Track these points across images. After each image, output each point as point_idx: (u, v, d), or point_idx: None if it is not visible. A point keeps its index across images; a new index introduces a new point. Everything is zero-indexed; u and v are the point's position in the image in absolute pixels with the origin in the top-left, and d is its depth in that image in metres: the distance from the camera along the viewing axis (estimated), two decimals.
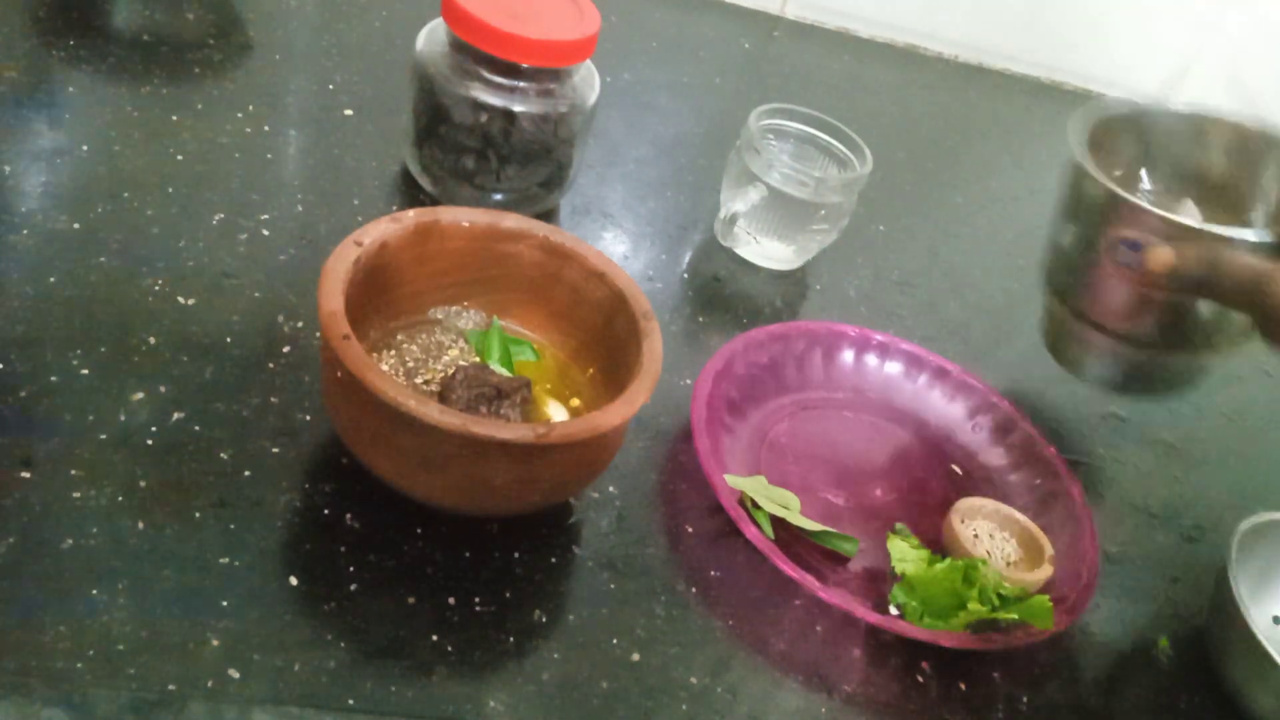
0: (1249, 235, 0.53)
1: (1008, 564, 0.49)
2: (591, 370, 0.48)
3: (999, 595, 0.46)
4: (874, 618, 0.44)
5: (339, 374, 0.37)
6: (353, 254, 0.42)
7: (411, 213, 0.45)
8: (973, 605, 0.45)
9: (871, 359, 0.59)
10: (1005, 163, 0.90)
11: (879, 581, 0.48)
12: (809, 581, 0.44)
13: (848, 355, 0.59)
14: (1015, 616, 0.45)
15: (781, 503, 0.48)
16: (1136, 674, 0.48)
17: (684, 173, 0.71)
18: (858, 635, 0.45)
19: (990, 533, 0.50)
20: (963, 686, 0.44)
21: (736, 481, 0.48)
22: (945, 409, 0.58)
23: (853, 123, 0.66)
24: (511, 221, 0.47)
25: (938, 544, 0.50)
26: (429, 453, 0.38)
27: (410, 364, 0.45)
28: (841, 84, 0.92)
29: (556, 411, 0.46)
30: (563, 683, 0.39)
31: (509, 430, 0.36)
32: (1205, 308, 0.56)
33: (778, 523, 0.47)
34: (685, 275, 0.62)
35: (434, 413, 0.36)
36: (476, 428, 0.36)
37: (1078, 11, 1.02)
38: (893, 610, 0.46)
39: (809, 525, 0.48)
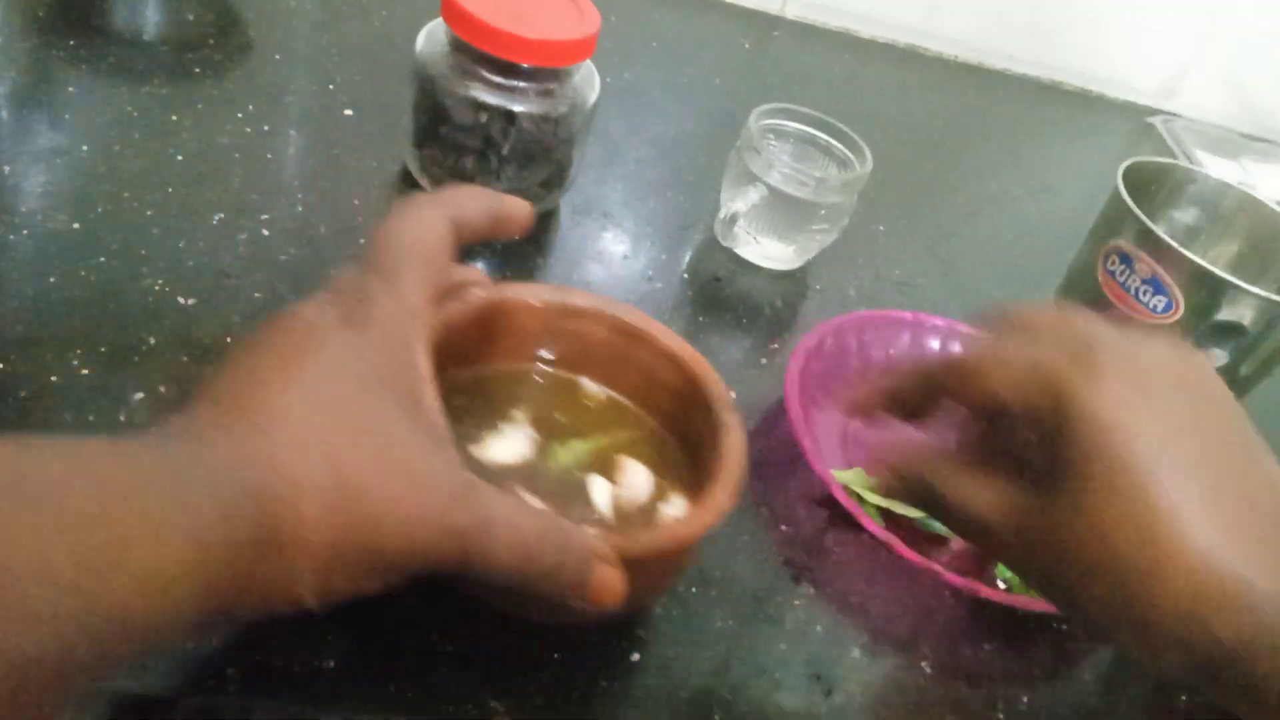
0: (1259, 291, 0.54)
1: None
2: (667, 457, 0.44)
3: None
4: (1000, 596, 0.46)
5: None
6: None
7: (479, 291, 0.41)
8: None
9: (933, 343, 0.61)
10: (1005, 163, 0.90)
11: (974, 558, 0.49)
12: (935, 568, 0.46)
13: (904, 339, 0.60)
14: None
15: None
16: (1136, 674, 0.48)
17: (684, 173, 0.71)
18: (853, 632, 0.45)
19: None
20: (963, 687, 0.44)
21: (841, 476, 0.49)
22: None
23: (853, 123, 0.66)
24: (581, 299, 0.44)
25: None
26: None
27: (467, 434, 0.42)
28: (841, 84, 0.92)
29: (635, 472, 0.43)
30: (563, 682, 0.39)
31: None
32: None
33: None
34: (685, 275, 0.62)
35: None
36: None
37: (1078, 11, 1.02)
38: (1000, 585, 0.48)
39: (911, 512, 0.49)
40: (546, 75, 0.55)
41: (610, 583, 0.33)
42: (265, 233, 0.53)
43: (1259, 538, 0.28)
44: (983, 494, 0.33)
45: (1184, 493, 0.28)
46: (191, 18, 0.67)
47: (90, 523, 0.23)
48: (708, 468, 0.39)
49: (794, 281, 0.65)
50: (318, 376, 0.30)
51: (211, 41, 0.65)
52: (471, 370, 0.43)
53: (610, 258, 0.61)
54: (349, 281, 0.34)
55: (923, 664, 0.45)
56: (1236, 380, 0.59)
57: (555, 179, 0.60)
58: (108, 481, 0.24)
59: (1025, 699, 0.45)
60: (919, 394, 0.36)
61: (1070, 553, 0.30)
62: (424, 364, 0.33)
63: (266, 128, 0.60)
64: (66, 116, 0.56)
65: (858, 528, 0.47)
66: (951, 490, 0.34)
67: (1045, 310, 0.34)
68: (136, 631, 0.23)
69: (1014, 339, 0.33)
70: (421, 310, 0.34)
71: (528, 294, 0.43)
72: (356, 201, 0.57)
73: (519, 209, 0.38)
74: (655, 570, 0.38)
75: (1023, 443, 0.34)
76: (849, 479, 0.50)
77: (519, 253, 0.59)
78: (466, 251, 0.57)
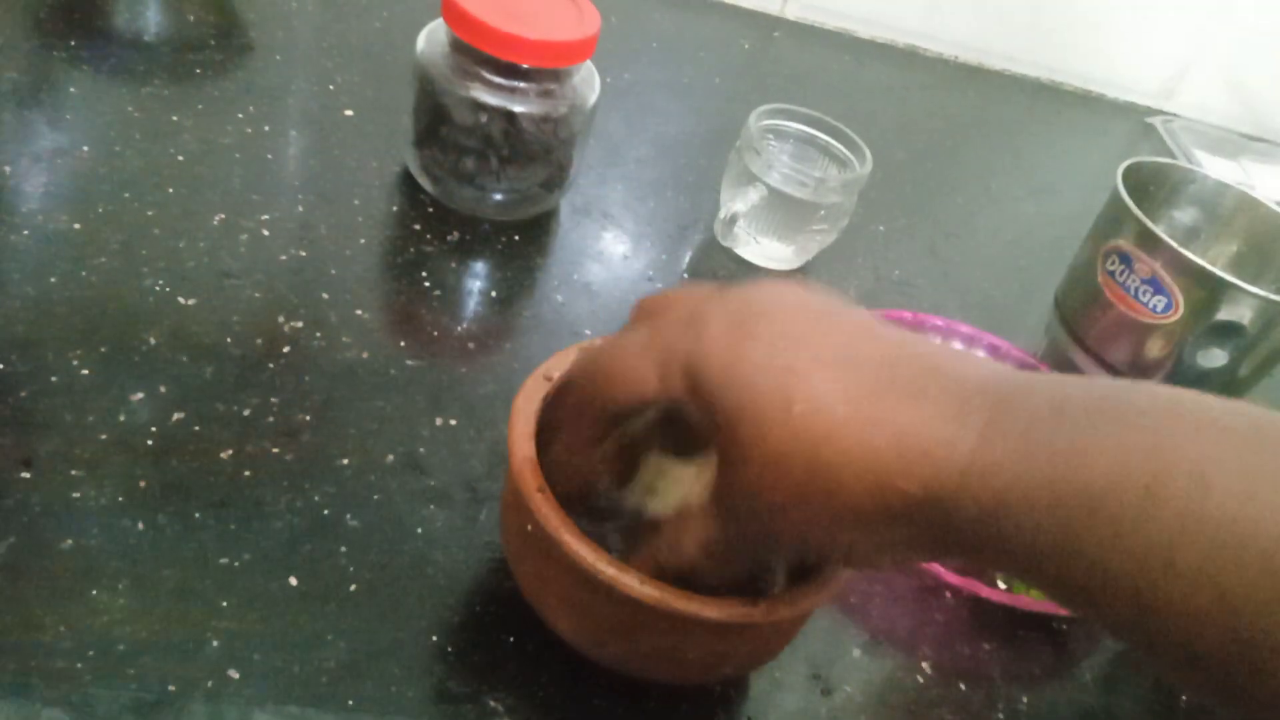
0: (1259, 291, 0.54)
1: None
2: None
3: None
4: (1000, 596, 0.46)
5: (529, 527, 0.34)
6: (543, 390, 0.38)
7: (599, 342, 0.40)
8: None
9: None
10: (1005, 163, 0.90)
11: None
12: (935, 568, 0.46)
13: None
14: None
15: None
16: (1136, 674, 0.48)
17: (684, 173, 0.71)
18: (853, 632, 0.45)
19: None
20: (963, 687, 0.44)
21: None
22: None
23: (853, 123, 0.66)
24: None
25: None
26: (621, 621, 0.35)
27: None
28: (841, 84, 0.92)
29: None
30: (562, 682, 0.39)
31: (714, 608, 0.33)
32: (1202, 358, 0.57)
33: None
34: (685, 275, 0.62)
35: (633, 583, 0.33)
36: (678, 603, 0.33)
37: (1078, 12, 1.02)
38: (1000, 585, 0.48)
39: None
40: (546, 76, 0.55)
41: None
42: (265, 233, 0.53)
43: (904, 393, 0.29)
44: (686, 535, 0.33)
45: (818, 382, 0.29)
46: (192, 18, 0.67)
47: None
48: None
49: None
50: None
51: (212, 42, 0.66)
52: None
53: (610, 258, 0.61)
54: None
55: (923, 664, 0.45)
56: (1236, 380, 0.59)
57: (555, 179, 0.60)
58: None
59: (1025, 699, 0.45)
60: (591, 429, 0.35)
61: (764, 494, 0.30)
62: None
63: (266, 128, 0.60)
64: (67, 117, 0.56)
65: None
66: (680, 557, 0.34)
67: (665, 294, 0.35)
68: None
69: (638, 330, 0.33)
70: None
71: None
72: (356, 201, 0.57)
73: None
74: (788, 631, 0.38)
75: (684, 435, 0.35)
76: None
77: (519, 253, 0.59)
78: (467, 251, 0.57)
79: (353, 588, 0.39)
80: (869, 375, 0.29)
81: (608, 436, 0.35)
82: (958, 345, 0.61)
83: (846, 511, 0.29)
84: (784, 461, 0.29)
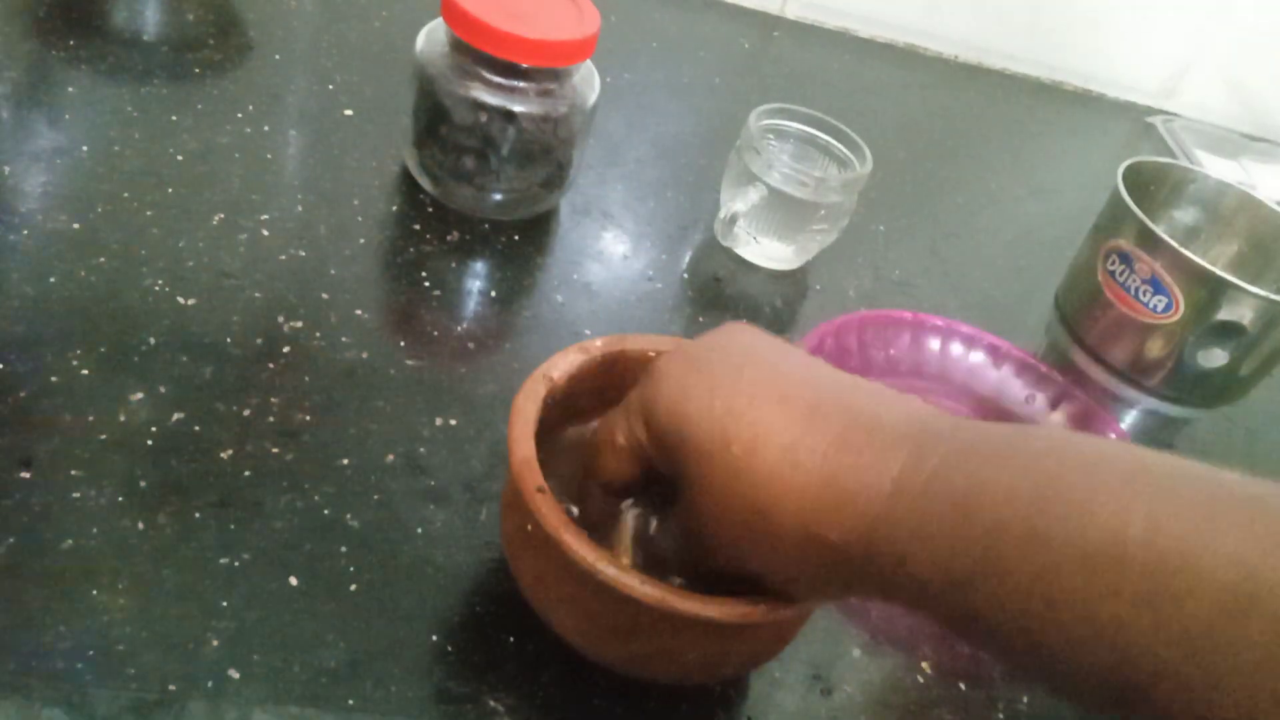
0: (1259, 291, 0.54)
1: None
2: None
3: None
4: None
5: (529, 527, 0.35)
6: (543, 390, 0.38)
7: (599, 342, 0.41)
8: None
9: (933, 343, 0.61)
10: (1005, 163, 0.90)
11: None
12: None
13: (904, 339, 0.60)
14: None
15: None
16: None
17: (684, 173, 0.71)
18: (853, 632, 0.45)
19: None
20: (962, 687, 0.44)
21: None
22: (1001, 384, 0.61)
23: (853, 123, 0.66)
24: None
25: None
26: (621, 621, 0.35)
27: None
28: (841, 84, 0.92)
29: None
30: (562, 682, 0.39)
31: (714, 608, 0.33)
32: (1203, 359, 0.57)
33: None
34: (685, 275, 0.62)
35: (633, 583, 0.33)
36: (679, 603, 0.33)
37: (1077, 11, 1.02)
38: None
39: None
40: (546, 75, 0.55)
41: None
42: (265, 233, 0.53)
43: (833, 440, 0.30)
44: (667, 550, 0.37)
45: (754, 424, 0.31)
46: (191, 18, 0.67)
47: None
48: None
49: (794, 281, 0.65)
50: None
51: (211, 42, 0.65)
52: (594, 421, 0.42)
53: (610, 258, 0.61)
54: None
55: (923, 664, 0.45)
56: (1236, 380, 0.59)
57: (555, 179, 0.60)
58: None
59: (1025, 699, 0.45)
60: (603, 502, 0.38)
61: (711, 527, 0.33)
62: None
63: (266, 128, 0.60)
64: (66, 116, 0.56)
65: None
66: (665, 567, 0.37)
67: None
68: None
69: (622, 402, 0.36)
70: None
71: (647, 344, 0.42)
72: (356, 201, 0.57)
73: None
74: (786, 631, 0.38)
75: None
76: None
77: (519, 253, 0.59)
78: (467, 251, 0.57)
79: (353, 588, 0.39)
80: (800, 421, 0.31)
81: (621, 501, 0.38)
82: (958, 345, 0.61)
83: (781, 551, 0.31)
84: (726, 499, 0.31)
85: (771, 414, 0.31)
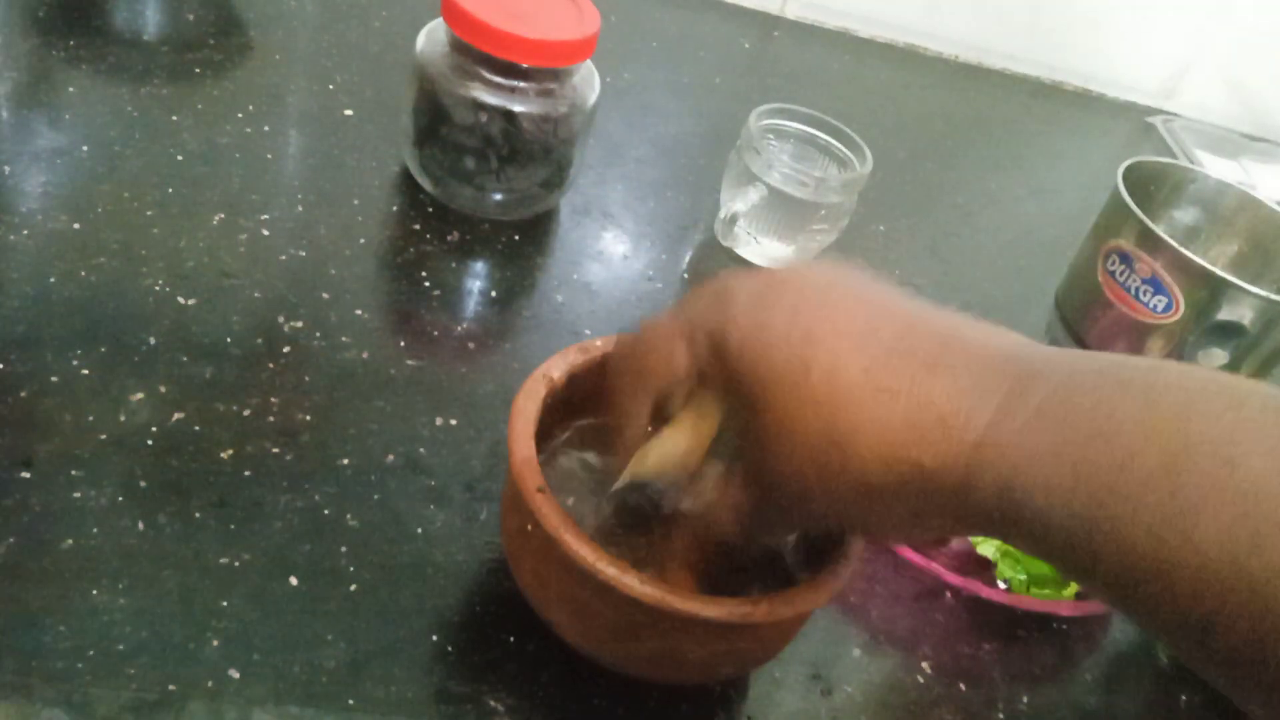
0: (1259, 291, 0.54)
1: None
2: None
3: None
4: (1000, 596, 0.46)
5: (529, 527, 0.34)
6: (543, 390, 0.38)
7: (599, 342, 0.41)
8: None
9: None
10: (1005, 163, 0.90)
11: (974, 559, 0.50)
12: (935, 568, 0.46)
13: None
14: None
15: None
16: (1136, 674, 0.48)
17: (684, 173, 0.71)
18: (853, 632, 0.45)
19: None
20: (962, 687, 0.44)
21: None
22: None
23: (853, 123, 0.66)
24: None
25: None
26: (621, 621, 0.35)
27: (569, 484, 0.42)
28: (841, 84, 0.92)
29: None
30: (562, 682, 0.39)
31: (714, 608, 0.33)
32: (1203, 359, 0.57)
33: None
34: (685, 275, 0.62)
35: (633, 583, 0.33)
36: (679, 603, 0.33)
37: (1078, 11, 1.02)
38: (1000, 585, 0.48)
39: None
40: (546, 75, 0.55)
41: None
42: (265, 233, 0.53)
43: (921, 364, 0.29)
44: (721, 508, 0.35)
45: (836, 351, 0.29)
46: (192, 18, 0.67)
47: None
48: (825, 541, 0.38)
49: None
50: None
51: (212, 42, 0.65)
52: (596, 420, 0.42)
53: (610, 258, 0.61)
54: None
55: (923, 664, 0.45)
56: None
57: (555, 179, 0.60)
58: None
59: (1025, 699, 0.45)
60: (633, 407, 0.35)
61: (783, 461, 0.30)
62: None
63: (266, 128, 0.60)
64: (66, 116, 0.56)
65: None
66: (717, 528, 0.35)
67: (697, 289, 0.35)
68: None
69: (672, 311, 0.34)
70: None
71: None
72: (356, 201, 0.57)
73: None
74: (787, 630, 0.38)
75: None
76: None
77: (519, 253, 0.59)
78: (467, 251, 0.57)
79: (353, 588, 0.39)
80: (887, 346, 0.29)
81: (650, 414, 0.36)
82: None
83: (860, 481, 0.29)
84: (801, 428, 0.29)
85: (856, 341, 0.30)
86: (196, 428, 0.42)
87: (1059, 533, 0.26)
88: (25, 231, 0.48)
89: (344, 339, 0.49)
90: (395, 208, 0.58)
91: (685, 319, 0.33)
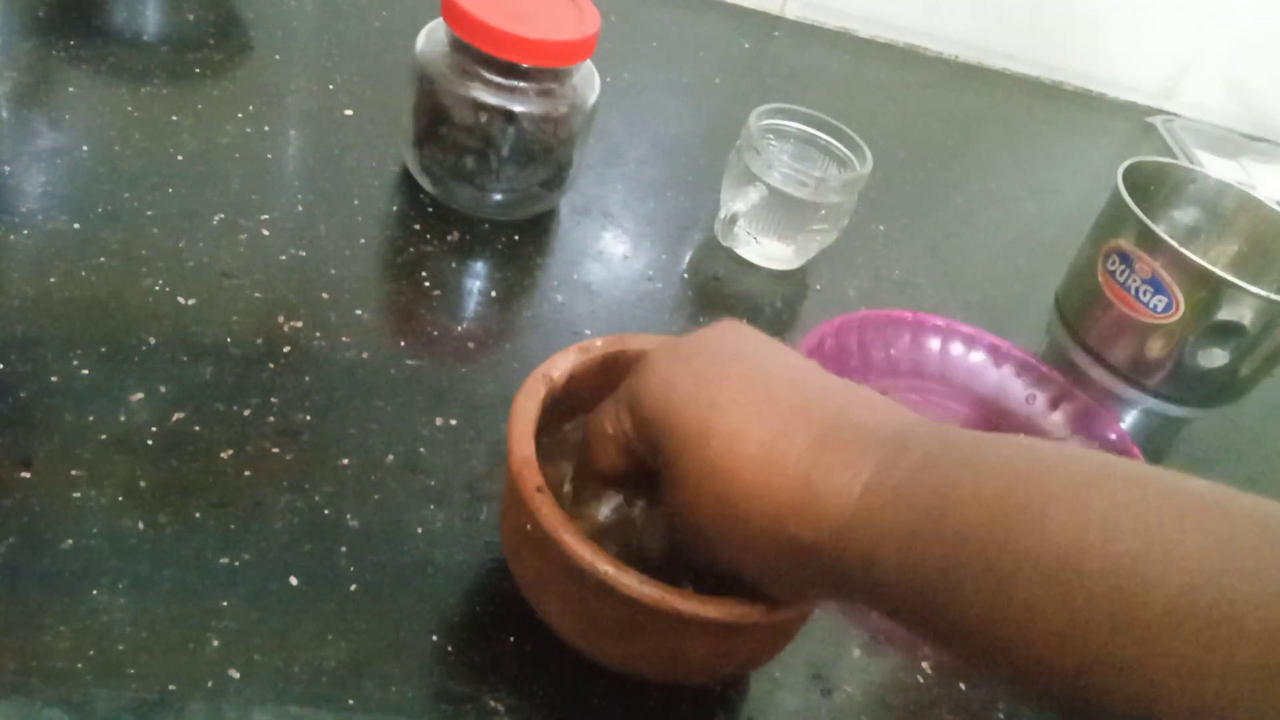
0: (1259, 291, 0.54)
1: None
2: None
3: None
4: None
5: (528, 526, 0.35)
6: (543, 390, 0.38)
7: (599, 342, 0.41)
8: None
9: (934, 343, 0.61)
10: (1005, 163, 0.90)
11: None
12: None
13: (904, 339, 0.60)
14: None
15: None
16: None
17: (684, 173, 0.71)
18: (854, 632, 0.45)
19: None
20: (962, 687, 0.44)
21: None
22: (1001, 384, 0.61)
23: (853, 123, 0.66)
24: None
25: None
26: (621, 621, 0.35)
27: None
28: (841, 84, 0.92)
29: None
30: (562, 682, 0.39)
31: (714, 608, 0.33)
32: (1203, 359, 0.57)
33: None
34: (685, 275, 0.62)
35: (632, 582, 0.33)
36: (678, 603, 0.33)
37: (1077, 11, 1.02)
38: None
39: None
40: (546, 75, 0.55)
41: None
42: (265, 233, 0.53)
43: (811, 440, 0.30)
44: (649, 536, 0.38)
45: (734, 421, 0.31)
46: (192, 18, 0.67)
47: None
48: None
49: (794, 281, 0.65)
50: None
51: (211, 41, 0.65)
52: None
53: (610, 258, 0.61)
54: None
55: (923, 664, 0.45)
56: (1236, 380, 0.59)
57: (555, 179, 0.60)
58: None
59: None
60: (598, 489, 0.39)
61: (687, 515, 0.32)
62: None
63: (266, 128, 0.60)
64: (66, 116, 0.56)
65: None
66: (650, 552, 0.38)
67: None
68: None
69: (606, 404, 0.37)
70: None
71: (647, 344, 0.42)
72: (356, 201, 0.57)
73: None
74: (787, 630, 0.38)
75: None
76: None
77: (519, 253, 0.59)
78: (467, 250, 0.57)
79: (353, 588, 0.39)
80: (784, 417, 0.31)
81: (615, 490, 0.38)
82: (958, 345, 0.61)
83: (750, 547, 0.31)
84: (701, 489, 0.31)
85: (754, 411, 0.31)
86: (196, 428, 0.42)
87: (911, 603, 0.28)
88: (25, 231, 0.48)
89: (344, 339, 0.49)
90: (395, 208, 0.58)
91: (614, 399, 0.36)
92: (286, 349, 0.47)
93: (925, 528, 0.27)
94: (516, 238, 0.59)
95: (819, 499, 0.29)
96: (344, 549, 0.40)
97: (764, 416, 0.31)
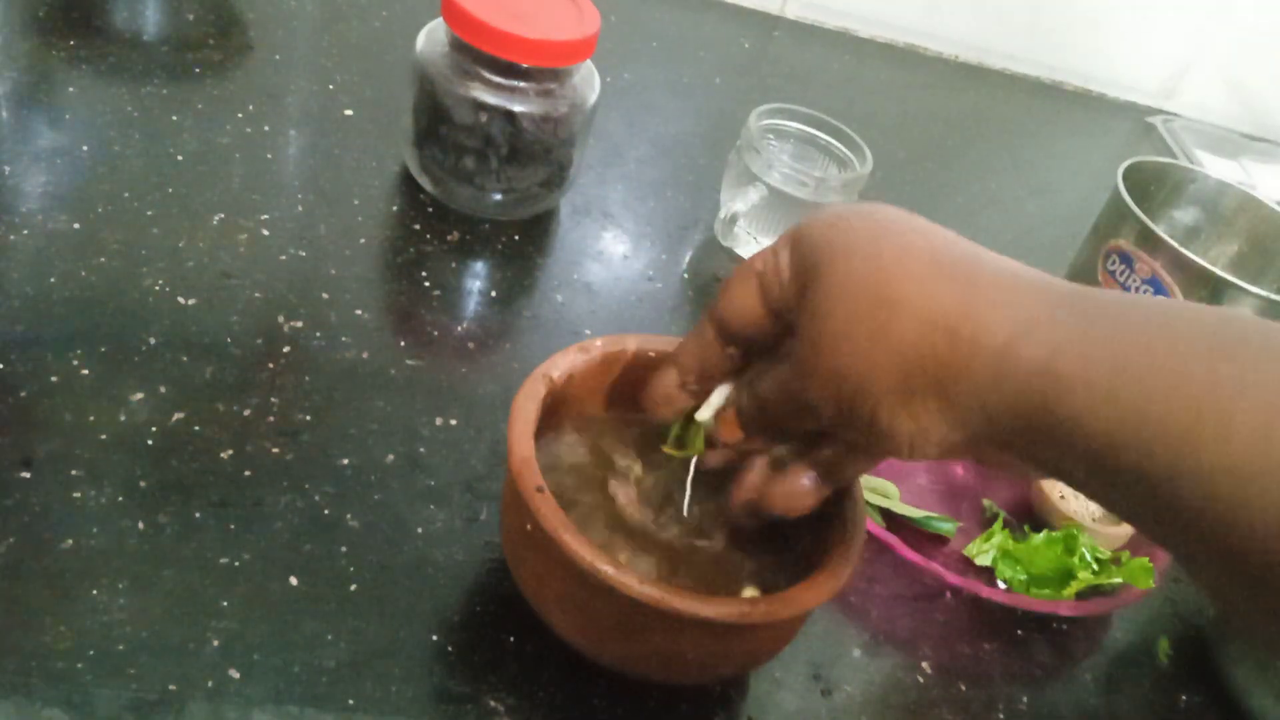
0: (1259, 291, 0.54)
1: (1093, 519, 0.52)
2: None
3: (1096, 560, 0.49)
4: (1000, 596, 0.47)
5: (528, 526, 0.35)
6: (543, 390, 0.38)
7: (599, 342, 0.41)
8: (1083, 574, 0.48)
9: None
10: (1005, 163, 0.90)
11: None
12: (935, 568, 0.46)
13: None
14: (1120, 579, 0.48)
15: (882, 492, 0.50)
16: (1136, 674, 0.48)
17: (684, 173, 0.71)
18: (853, 632, 0.45)
19: (1075, 493, 0.52)
20: (963, 687, 0.44)
21: None
22: None
23: (853, 123, 0.66)
24: None
25: (1022, 511, 0.53)
26: (621, 621, 0.35)
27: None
28: (841, 84, 0.92)
29: None
30: (562, 682, 0.39)
31: (713, 608, 0.33)
32: None
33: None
34: (685, 275, 0.62)
35: (632, 583, 0.33)
36: (678, 603, 0.33)
37: (1077, 11, 1.02)
38: (1000, 585, 0.48)
39: (912, 512, 0.50)
40: (546, 75, 0.55)
41: None
42: (265, 233, 0.53)
43: (988, 273, 0.30)
44: (765, 378, 0.35)
45: (909, 244, 0.31)
46: (192, 18, 0.67)
47: None
48: (827, 526, 0.38)
49: None
50: None
51: (211, 41, 0.65)
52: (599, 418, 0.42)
53: (610, 258, 0.61)
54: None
55: (923, 664, 0.45)
56: None
57: (555, 179, 0.60)
58: None
59: (1025, 699, 0.45)
60: (709, 348, 0.36)
61: (828, 318, 0.31)
62: None
63: (266, 128, 0.60)
64: (66, 116, 0.56)
65: None
66: (760, 398, 0.36)
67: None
68: None
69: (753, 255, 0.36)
70: None
71: (647, 344, 0.42)
72: (356, 201, 0.57)
73: None
74: (786, 630, 0.38)
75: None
76: None
77: (519, 253, 0.59)
78: (467, 250, 0.57)
79: (353, 588, 0.39)
80: (956, 256, 0.31)
81: (721, 360, 0.36)
82: None
83: (897, 347, 0.30)
84: (858, 287, 0.31)
85: (927, 238, 0.31)
86: (196, 428, 0.42)
87: (1095, 423, 0.26)
88: (25, 231, 0.48)
89: (344, 339, 0.49)
90: (395, 208, 0.58)
91: (771, 245, 0.35)
92: (286, 349, 0.47)
93: (1127, 350, 0.26)
94: (516, 238, 0.59)
95: (991, 304, 0.29)
96: (344, 549, 0.40)
97: (938, 250, 0.31)
